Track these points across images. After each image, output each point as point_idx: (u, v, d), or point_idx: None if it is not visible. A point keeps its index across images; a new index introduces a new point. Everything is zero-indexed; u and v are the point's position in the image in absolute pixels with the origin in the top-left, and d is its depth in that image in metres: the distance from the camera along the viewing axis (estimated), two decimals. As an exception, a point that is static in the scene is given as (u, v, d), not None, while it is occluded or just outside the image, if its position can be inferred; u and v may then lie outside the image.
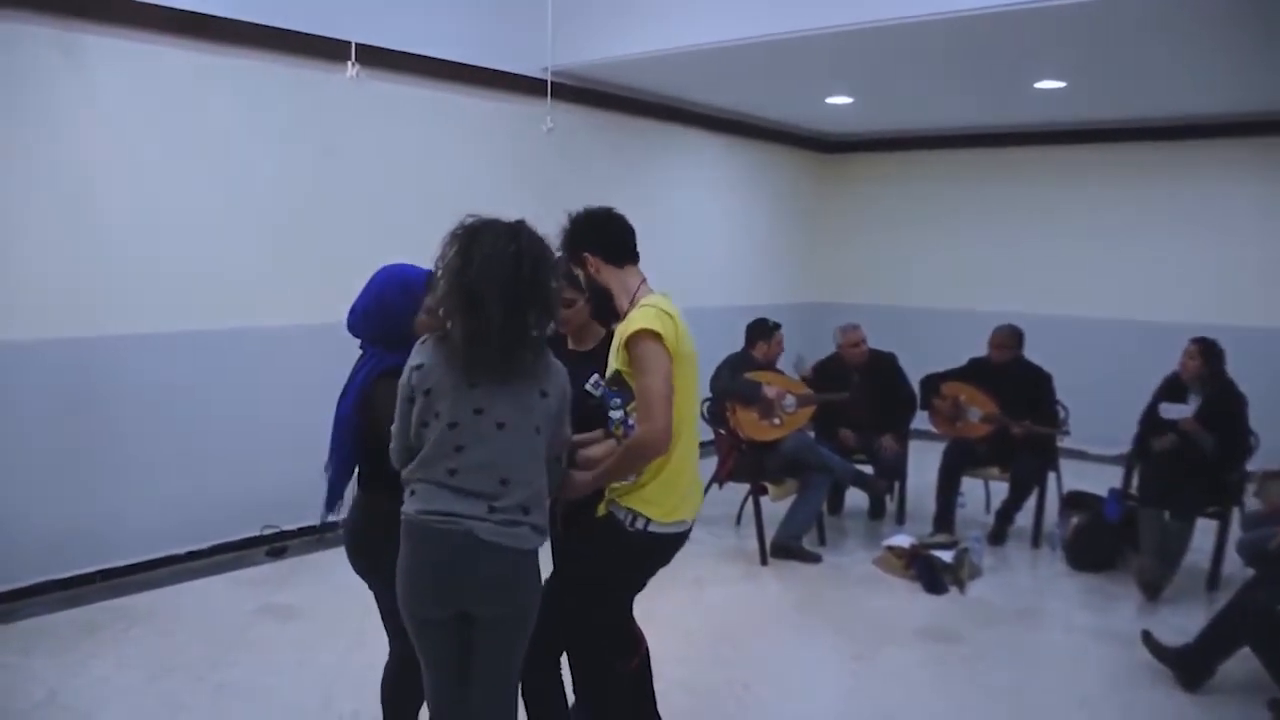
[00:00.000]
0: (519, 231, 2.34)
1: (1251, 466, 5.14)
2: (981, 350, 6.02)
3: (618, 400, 2.71)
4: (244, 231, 5.10)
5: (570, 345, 3.27)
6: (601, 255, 2.80)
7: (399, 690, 2.79)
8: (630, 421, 2.66)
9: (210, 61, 4.86)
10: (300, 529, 5.36)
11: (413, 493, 2.36)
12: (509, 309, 2.26)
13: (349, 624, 4.15)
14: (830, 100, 7.46)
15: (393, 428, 2.40)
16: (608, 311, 2.89)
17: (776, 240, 8.95)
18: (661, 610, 4.11)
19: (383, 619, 2.72)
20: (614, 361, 2.71)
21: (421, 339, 2.42)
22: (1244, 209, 7.57)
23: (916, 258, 9.06)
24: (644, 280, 2.85)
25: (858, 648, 4.30)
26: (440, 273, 2.32)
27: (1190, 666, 3.94)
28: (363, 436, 2.61)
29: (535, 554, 2.41)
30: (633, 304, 2.75)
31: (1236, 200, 7.60)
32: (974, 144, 8.70)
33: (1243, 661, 3.93)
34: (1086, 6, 4.63)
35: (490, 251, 2.27)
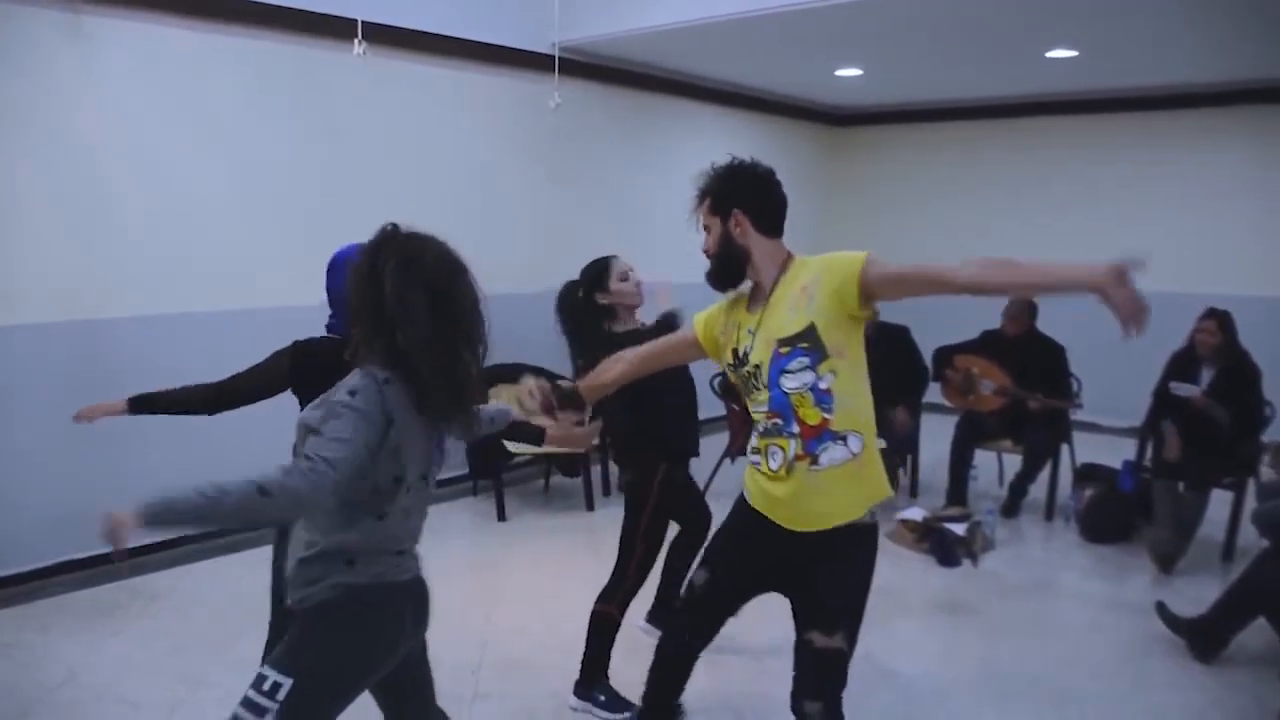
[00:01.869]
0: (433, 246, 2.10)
1: (1266, 437, 5.11)
2: (993, 323, 5.99)
3: (804, 360, 2.38)
4: (251, 211, 5.09)
5: (619, 327, 3.31)
6: (753, 218, 2.50)
7: None
8: (823, 384, 2.36)
9: (216, 41, 4.84)
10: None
11: (351, 562, 2.06)
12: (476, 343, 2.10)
13: None
14: (839, 73, 7.39)
15: (343, 454, 1.91)
16: (732, 279, 2.57)
17: (789, 213, 8.88)
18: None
19: None
20: (800, 306, 2.39)
21: (377, 376, 2.02)
22: (1256, 178, 7.47)
23: (927, 229, 8.97)
24: (792, 256, 2.54)
25: (870, 620, 4.29)
26: (367, 293, 2.02)
27: (1204, 637, 3.94)
28: None
29: None
30: (784, 272, 2.49)
31: (1248, 169, 7.50)
32: (985, 115, 8.60)
33: (1256, 633, 3.94)
34: None
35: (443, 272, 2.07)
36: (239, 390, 2.93)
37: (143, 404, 3.04)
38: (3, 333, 4.31)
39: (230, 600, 4.38)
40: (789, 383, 2.39)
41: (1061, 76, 7.21)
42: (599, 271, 3.44)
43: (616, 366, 2.78)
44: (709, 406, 6.20)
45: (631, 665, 3.42)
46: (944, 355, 6.03)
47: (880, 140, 9.37)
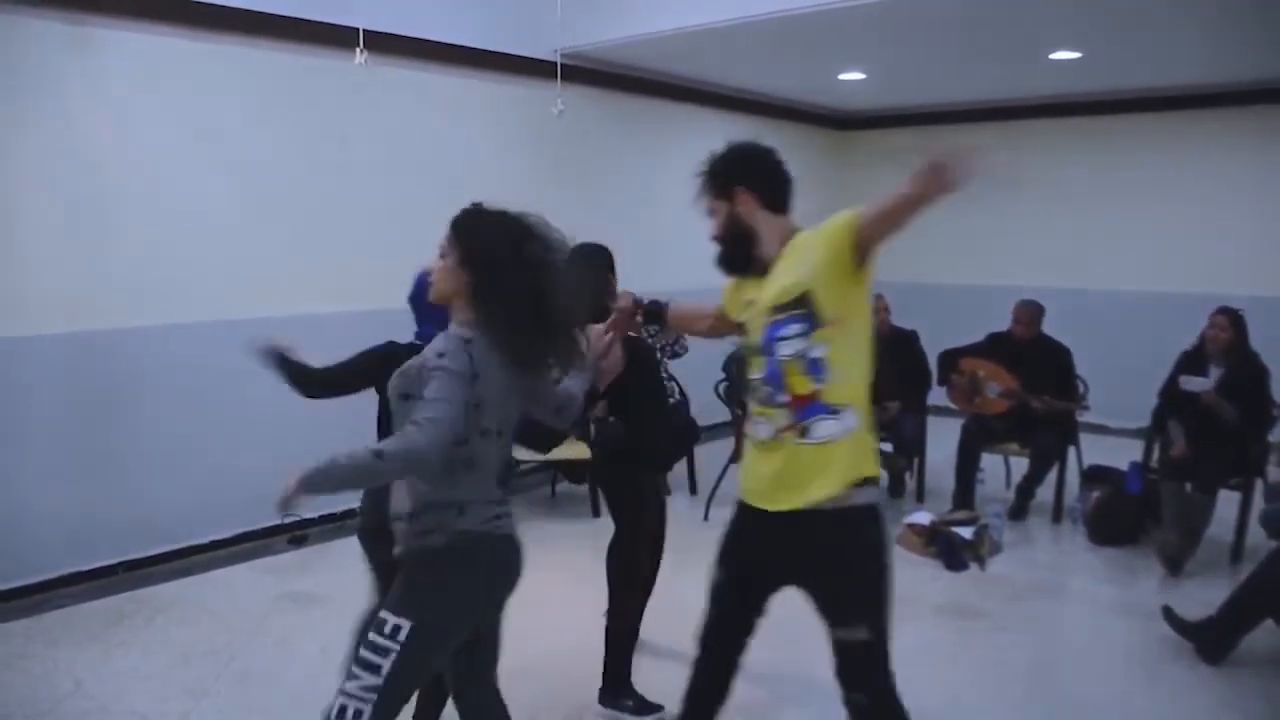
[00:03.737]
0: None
1: (1273, 438, 5.09)
2: (996, 325, 5.98)
3: (796, 327, 2.33)
4: (254, 221, 5.10)
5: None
6: (758, 195, 2.45)
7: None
8: (814, 352, 2.31)
9: (218, 50, 4.86)
10: (321, 516, 5.40)
11: (462, 511, 2.24)
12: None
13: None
14: (842, 76, 7.39)
15: (445, 412, 2.10)
16: (742, 261, 2.51)
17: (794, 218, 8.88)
18: (684, 589, 4.10)
19: None
20: (795, 271, 2.36)
21: (462, 336, 2.23)
22: (1259, 178, 7.44)
23: (932, 232, 8.92)
24: (796, 229, 2.50)
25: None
26: (485, 258, 2.25)
27: (1212, 640, 3.92)
28: None
29: None
30: (785, 244, 2.46)
31: (1251, 170, 7.47)
32: (988, 117, 8.57)
33: (1264, 635, 3.92)
34: None
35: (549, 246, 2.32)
36: (330, 381, 3.07)
37: (278, 361, 3.14)
38: (8, 344, 4.32)
39: (235, 610, 4.39)
40: (783, 349, 2.34)
41: (1065, 78, 7.20)
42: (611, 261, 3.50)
43: (706, 320, 2.81)
44: (713, 412, 6.21)
45: (653, 671, 3.45)
46: (950, 358, 6.01)
47: (884, 143, 9.33)
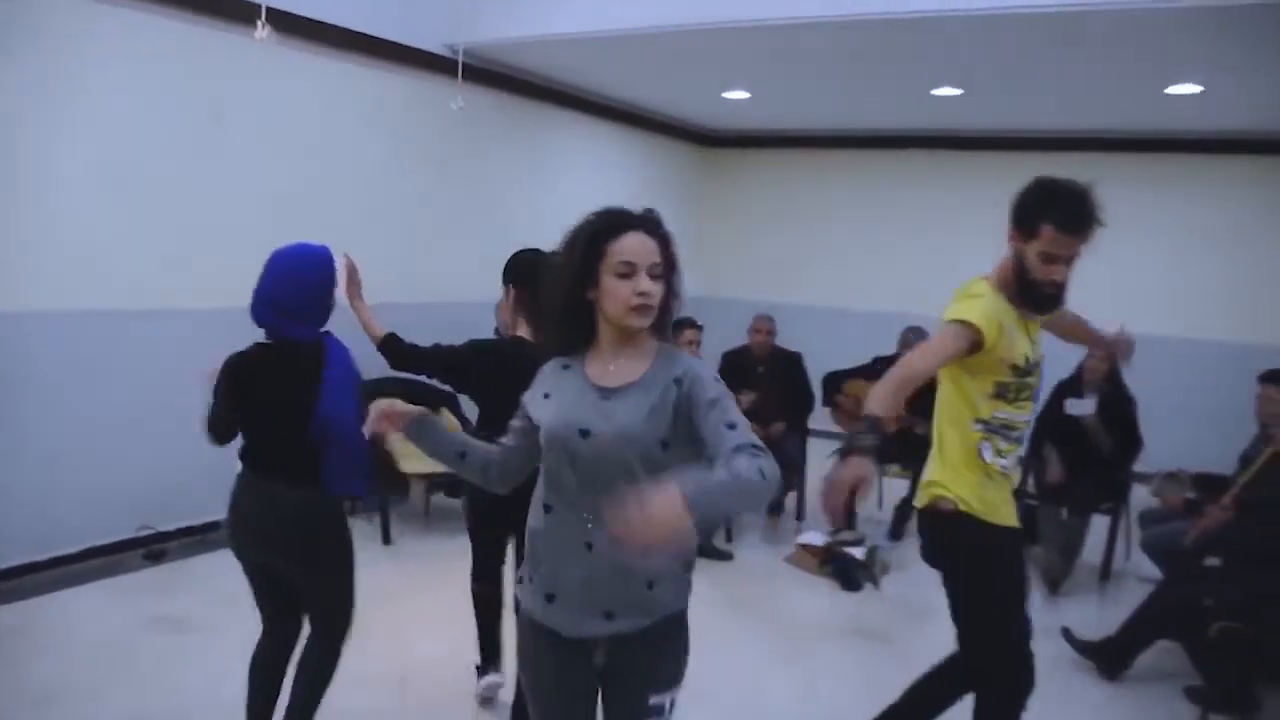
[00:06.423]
0: None
1: (1141, 467, 5.41)
2: (883, 350, 6.12)
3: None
4: (121, 200, 4.57)
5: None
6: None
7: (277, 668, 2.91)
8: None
9: (96, 10, 4.33)
10: (179, 529, 4.90)
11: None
12: None
13: (248, 635, 3.72)
14: (727, 94, 7.43)
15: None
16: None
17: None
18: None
19: (310, 599, 2.80)
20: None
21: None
22: (1140, 221, 7.65)
23: (821, 258, 9.11)
24: None
25: (794, 647, 4.27)
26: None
27: (1111, 658, 4.09)
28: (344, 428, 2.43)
29: None
30: None
31: (1141, 211, 7.63)
32: (872, 145, 8.80)
33: (1156, 654, 4.13)
34: (979, 20, 4.79)
35: None
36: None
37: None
38: None
39: (94, 638, 3.88)
40: None
41: (947, 113, 7.47)
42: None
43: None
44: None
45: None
46: (834, 380, 6.10)
47: (758, 163, 9.48)
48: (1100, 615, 4.72)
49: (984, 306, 2.59)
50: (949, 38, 5.23)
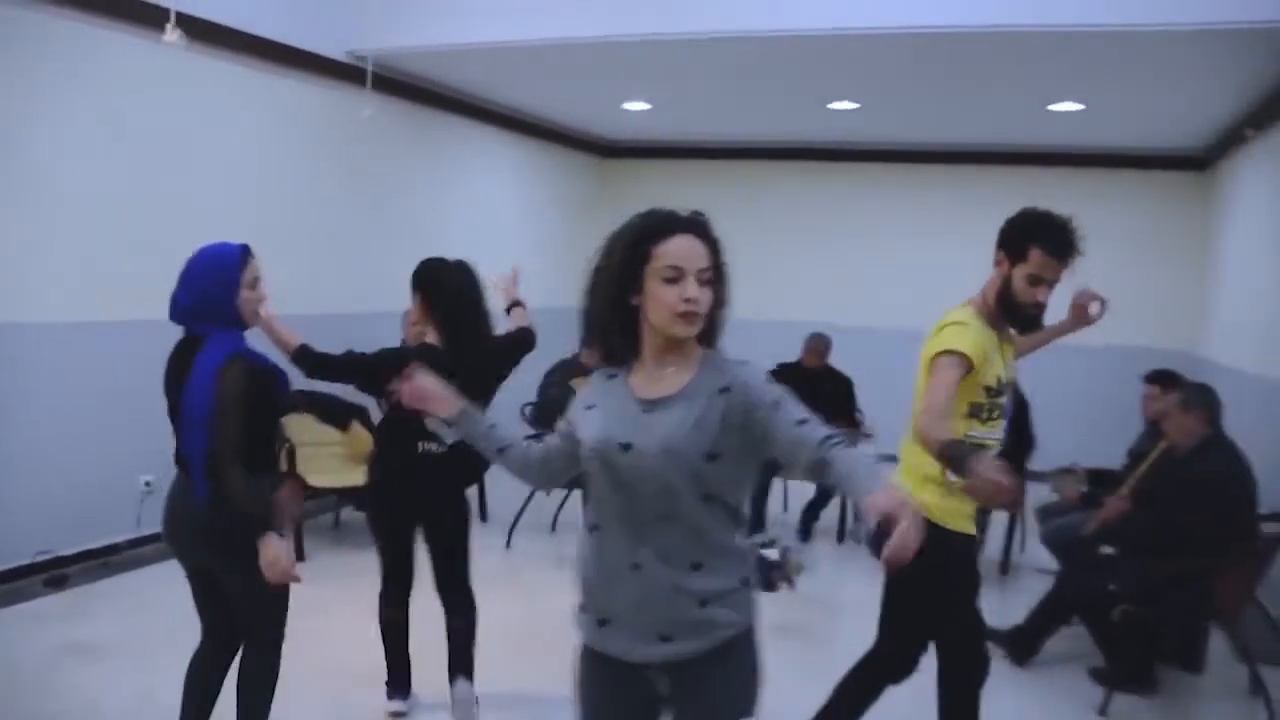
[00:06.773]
0: None
1: (1037, 466, 5.68)
2: (770, 358, 6.25)
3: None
4: (31, 217, 4.37)
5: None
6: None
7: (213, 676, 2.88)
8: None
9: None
10: (79, 554, 4.65)
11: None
12: None
13: (166, 656, 3.37)
14: (628, 105, 7.52)
15: None
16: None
17: (558, 241, 8.71)
18: (508, 619, 3.94)
19: (238, 605, 2.76)
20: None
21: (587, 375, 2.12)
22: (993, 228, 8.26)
23: (732, 270, 9.21)
24: None
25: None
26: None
27: (1021, 644, 4.31)
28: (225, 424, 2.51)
29: None
30: None
31: (991, 220, 8.25)
32: (769, 157, 9.02)
33: (1062, 639, 4.37)
34: (874, 39, 5.02)
35: None
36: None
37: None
38: None
39: (8, 671, 3.66)
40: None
41: (842, 126, 7.72)
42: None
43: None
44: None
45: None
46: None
47: (654, 173, 9.57)
48: (1003, 606, 4.93)
49: (971, 336, 2.73)
50: (845, 54, 5.44)
